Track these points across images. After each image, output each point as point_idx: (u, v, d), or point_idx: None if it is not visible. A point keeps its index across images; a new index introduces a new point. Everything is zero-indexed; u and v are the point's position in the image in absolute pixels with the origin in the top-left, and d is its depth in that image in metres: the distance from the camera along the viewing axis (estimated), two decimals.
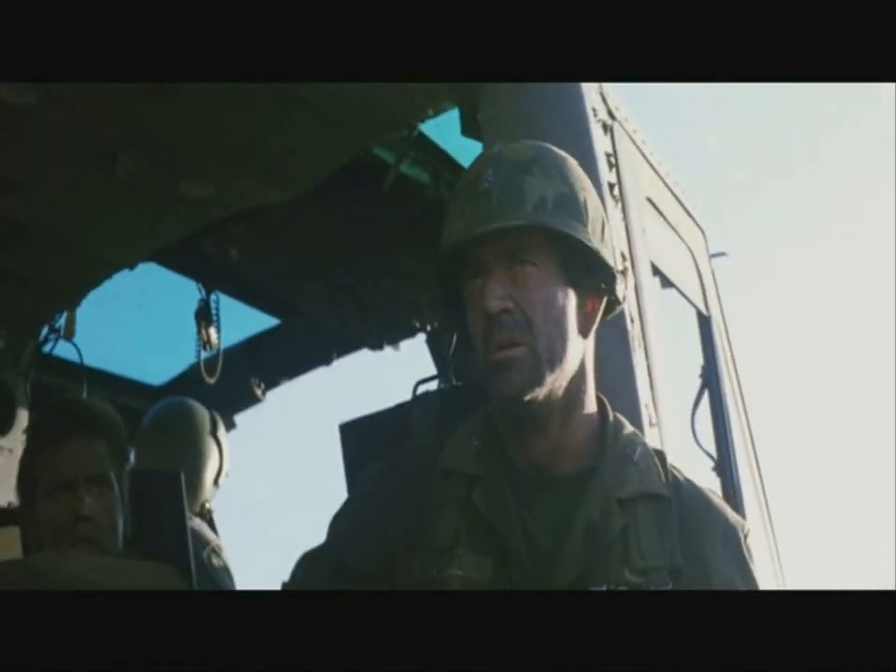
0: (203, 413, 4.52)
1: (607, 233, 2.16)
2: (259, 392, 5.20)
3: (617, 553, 2.02)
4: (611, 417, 2.18)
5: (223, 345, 4.71)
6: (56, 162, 3.58)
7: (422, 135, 3.73)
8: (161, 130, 3.51)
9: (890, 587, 3.21)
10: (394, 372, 5.20)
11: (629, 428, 2.19)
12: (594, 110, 2.86)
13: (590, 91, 2.90)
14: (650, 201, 3.21)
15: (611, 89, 3.05)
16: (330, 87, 3.19)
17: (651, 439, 2.51)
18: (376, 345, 4.90)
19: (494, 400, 2.10)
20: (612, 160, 2.89)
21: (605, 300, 2.15)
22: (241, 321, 4.94)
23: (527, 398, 2.03)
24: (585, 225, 2.09)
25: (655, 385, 2.68)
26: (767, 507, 3.69)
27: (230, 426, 5.29)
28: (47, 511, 2.90)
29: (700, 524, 2.09)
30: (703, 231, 3.74)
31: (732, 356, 3.76)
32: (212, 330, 4.54)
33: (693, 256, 3.60)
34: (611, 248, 2.18)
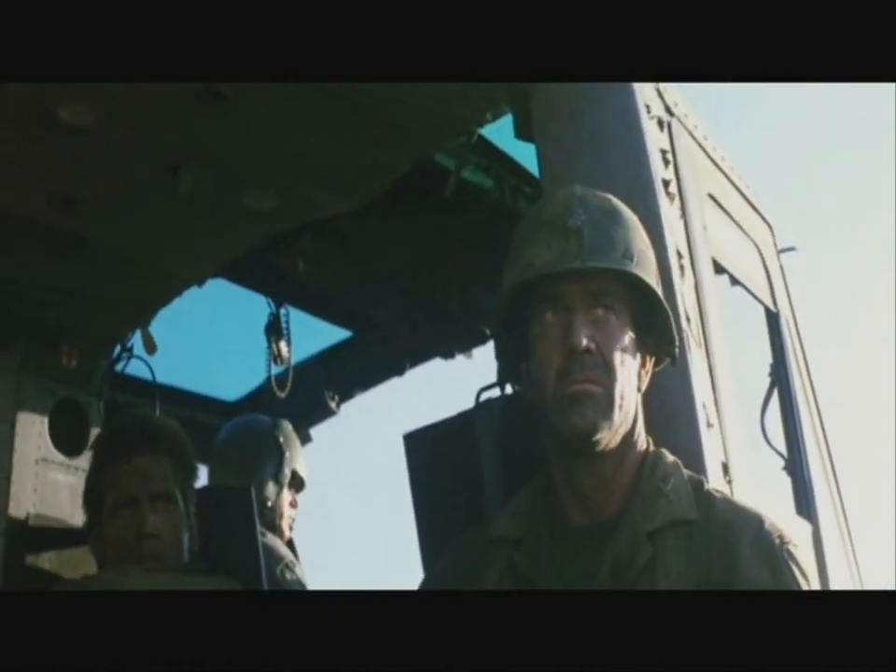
0: (262, 420, 4.54)
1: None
2: (333, 405, 5.19)
3: (644, 583, 2.06)
4: (650, 453, 2.22)
5: (295, 359, 4.74)
6: (118, 180, 3.61)
7: (484, 140, 3.72)
8: (221, 143, 3.54)
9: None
10: (466, 380, 5.18)
11: (668, 460, 2.22)
12: (647, 107, 2.83)
13: (644, 87, 2.86)
14: (711, 197, 3.16)
15: (670, 85, 3.01)
16: (390, 93, 3.19)
17: (711, 439, 2.46)
18: (448, 354, 4.88)
19: (564, 434, 2.11)
20: (669, 156, 2.84)
21: (657, 356, 2.25)
22: (312, 334, 4.94)
23: (597, 436, 2.09)
24: (658, 284, 2.19)
25: (717, 385, 2.62)
26: (842, 505, 3.60)
27: (305, 439, 5.30)
28: (112, 528, 2.92)
29: (729, 534, 2.09)
30: (770, 226, 3.67)
31: (802, 352, 3.68)
32: (282, 344, 4.55)
33: (759, 251, 3.53)
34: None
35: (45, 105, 3.27)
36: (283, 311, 4.57)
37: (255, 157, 3.65)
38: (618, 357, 2.11)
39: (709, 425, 2.52)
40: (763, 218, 3.63)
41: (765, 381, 3.48)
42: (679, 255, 2.67)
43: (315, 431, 5.29)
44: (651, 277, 2.17)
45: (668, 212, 2.66)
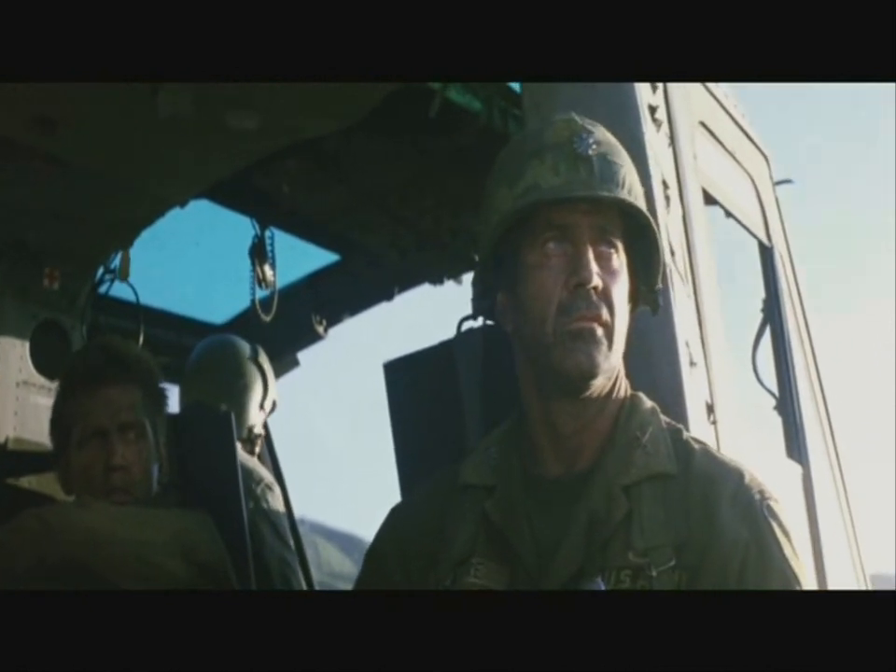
0: (242, 344, 4.48)
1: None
2: (321, 329, 5.13)
3: (620, 538, 1.98)
4: (628, 399, 2.14)
5: (282, 283, 4.67)
6: (97, 100, 3.51)
7: None
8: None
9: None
10: (455, 306, 5.14)
11: (646, 406, 2.14)
12: None
13: None
14: (703, 125, 3.06)
15: None
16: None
17: (694, 378, 2.40)
18: (437, 279, 4.81)
19: (564, 372, 2.02)
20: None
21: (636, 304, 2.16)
22: (299, 258, 4.87)
23: (595, 377, 2.01)
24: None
25: (704, 322, 2.55)
26: (835, 447, 3.54)
27: (292, 363, 5.26)
28: (79, 459, 2.87)
29: (709, 489, 2.02)
30: (766, 157, 3.58)
31: (798, 290, 3.59)
32: (266, 267, 4.47)
33: (753, 183, 3.44)
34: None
35: None
36: (268, 233, 4.48)
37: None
38: (618, 297, 2.03)
39: (692, 363, 2.45)
40: (759, 149, 3.53)
41: (758, 317, 3.41)
42: (666, 185, 2.59)
43: (303, 355, 5.26)
44: (651, 218, 2.09)
45: (654, 139, 2.57)
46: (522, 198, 2.02)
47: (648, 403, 2.15)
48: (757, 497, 2.03)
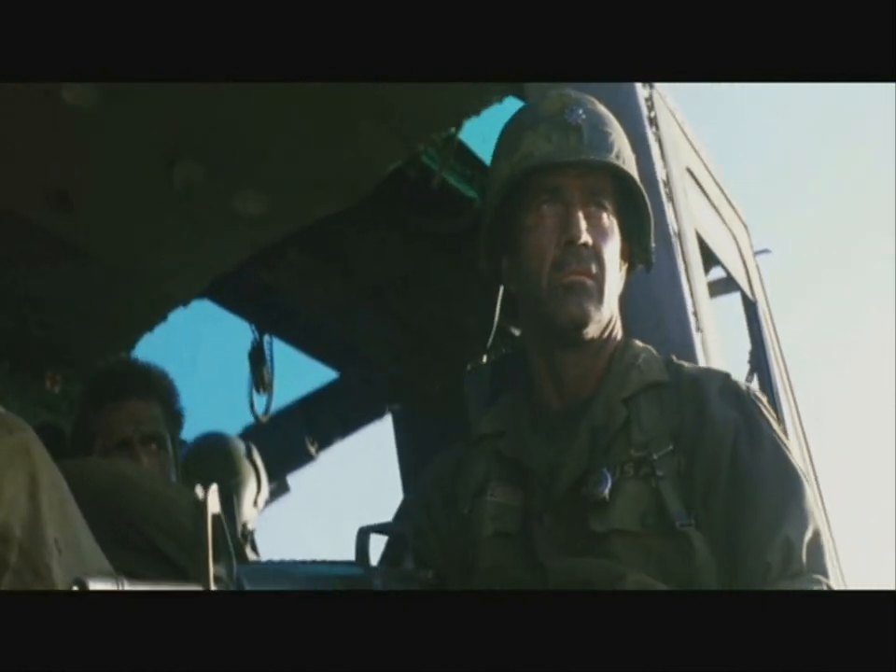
0: (236, 441, 4.54)
1: None
2: (313, 450, 5.19)
3: (621, 439, 2.11)
4: (623, 341, 2.29)
5: (278, 396, 4.73)
6: (114, 172, 3.70)
7: (467, 150, 3.85)
8: (216, 137, 3.69)
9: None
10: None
11: (639, 344, 2.29)
12: None
13: None
14: (690, 172, 3.26)
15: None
16: (378, 88, 3.32)
17: (700, 341, 2.54)
18: (430, 388, 4.88)
19: (558, 321, 2.17)
20: (651, 113, 2.97)
21: (631, 261, 2.33)
22: (297, 372, 4.96)
23: (588, 325, 2.16)
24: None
25: (697, 300, 2.70)
26: (820, 493, 3.63)
27: (283, 488, 5.28)
28: None
29: (698, 387, 2.16)
30: (745, 226, 3.78)
31: (779, 346, 3.75)
32: (265, 371, 4.58)
33: (735, 241, 3.62)
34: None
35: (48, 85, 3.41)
36: (267, 339, 4.61)
37: (245, 156, 3.78)
38: (608, 253, 2.19)
39: (698, 329, 2.59)
40: (739, 216, 3.74)
41: (745, 367, 3.55)
42: (665, 183, 2.77)
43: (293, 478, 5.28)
44: (639, 182, 2.26)
45: (653, 145, 2.77)
46: (517, 165, 2.20)
47: (641, 344, 2.29)
48: (744, 387, 2.19)
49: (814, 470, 3.61)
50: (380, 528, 2.18)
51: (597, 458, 2.09)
